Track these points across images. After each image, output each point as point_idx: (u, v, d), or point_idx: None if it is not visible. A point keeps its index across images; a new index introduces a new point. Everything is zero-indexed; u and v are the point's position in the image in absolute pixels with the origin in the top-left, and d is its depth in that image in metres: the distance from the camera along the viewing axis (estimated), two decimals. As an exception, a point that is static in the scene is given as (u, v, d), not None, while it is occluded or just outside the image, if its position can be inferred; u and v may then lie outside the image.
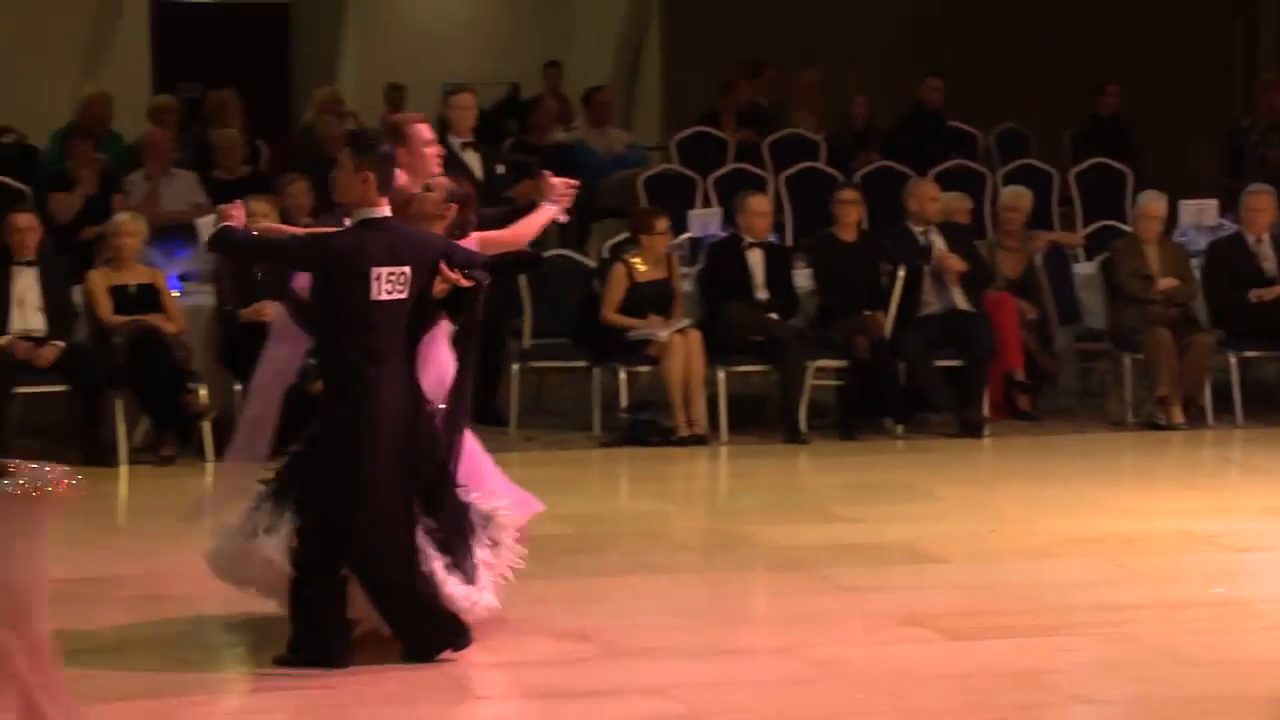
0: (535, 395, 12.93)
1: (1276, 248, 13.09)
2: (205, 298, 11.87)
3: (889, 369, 12.33)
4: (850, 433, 12.29)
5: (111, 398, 11.30)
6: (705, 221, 13.64)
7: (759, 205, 12.72)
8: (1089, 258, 13.97)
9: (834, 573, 8.84)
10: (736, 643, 7.87)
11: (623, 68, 19.00)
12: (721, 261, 12.55)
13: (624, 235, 12.96)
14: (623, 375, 12.14)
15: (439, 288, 7.34)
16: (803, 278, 12.79)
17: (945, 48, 18.50)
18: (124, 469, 11.16)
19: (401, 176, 7.72)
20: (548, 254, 12.28)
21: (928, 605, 8.26)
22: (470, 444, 7.78)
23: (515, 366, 12.34)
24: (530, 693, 7.31)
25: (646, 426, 12.05)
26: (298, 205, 12.11)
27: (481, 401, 10.48)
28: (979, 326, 12.44)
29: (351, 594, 7.34)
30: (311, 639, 7.29)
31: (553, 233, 9.64)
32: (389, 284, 7.24)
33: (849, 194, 12.93)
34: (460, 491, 7.51)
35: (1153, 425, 12.55)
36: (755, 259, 12.50)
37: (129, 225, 11.70)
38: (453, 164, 9.78)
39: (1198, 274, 13.15)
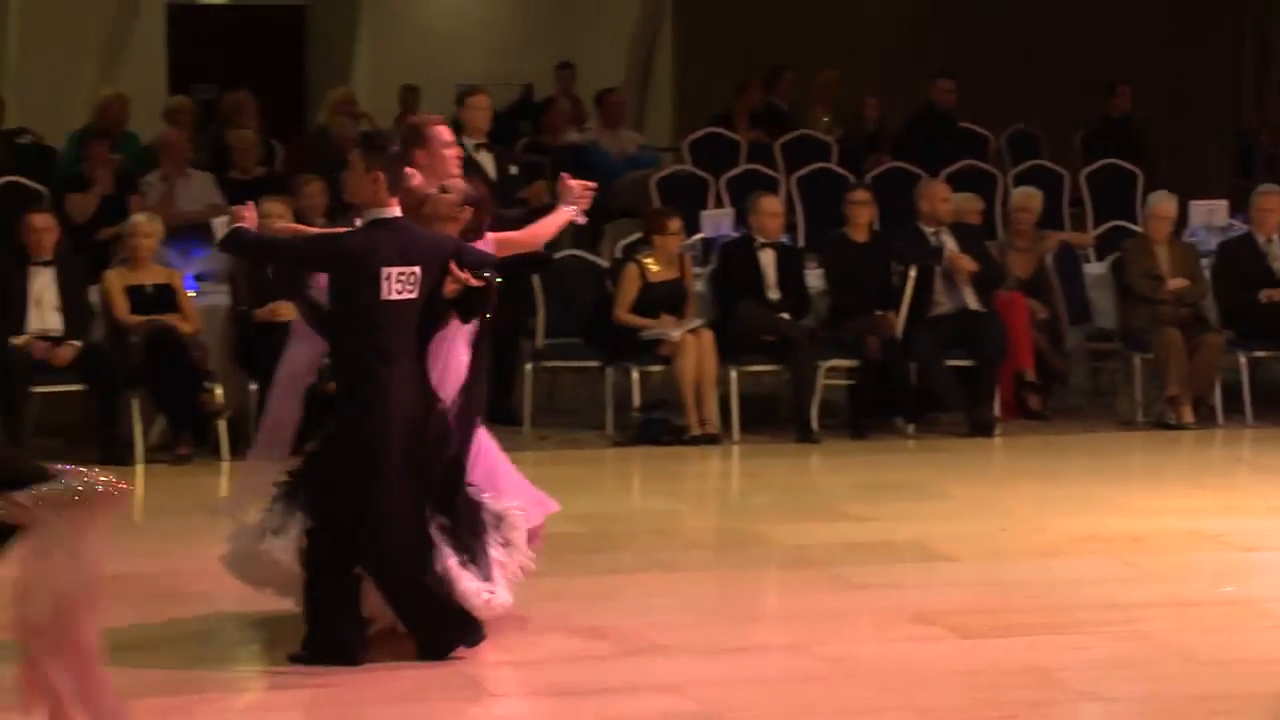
0: (548, 395, 12.94)
1: (1286, 248, 13.09)
2: (221, 298, 11.89)
3: (900, 369, 12.34)
4: (861, 432, 12.29)
5: (128, 397, 11.32)
6: (717, 222, 13.64)
7: (771, 206, 12.73)
8: (1099, 258, 13.97)
9: (845, 571, 8.84)
10: (749, 640, 7.88)
11: (635, 69, 19.01)
12: (734, 262, 12.56)
13: (636, 235, 12.98)
14: (635, 375, 12.15)
15: (450, 288, 7.35)
16: (814, 278, 12.79)
17: (956, 49, 18.49)
18: (140, 468, 11.17)
19: (416, 177, 7.73)
20: (561, 254, 12.31)
21: (938, 603, 8.26)
22: (487, 444, 7.80)
23: (529, 366, 12.35)
24: (544, 690, 7.32)
25: (659, 426, 12.06)
26: (313, 206, 12.13)
27: (495, 401, 10.49)
28: (990, 326, 12.45)
29: (365, 592, 7.36)
30: (326, 637, 7.31)
31: (566, 233, 9.64)
32: (399, 284, 7.25)
33: (860, 195, 12.93)
34: (472, 491, 7.52)
35: (1163, 425, 12.55)
36: (767, 259, 12.51)
37: (145, 226, 11.73)
38: (467, 165, 9.79)
39: (1208, 274, 13.14)
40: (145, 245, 11.63)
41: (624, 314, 12.16)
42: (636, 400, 12.15)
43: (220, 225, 7.65)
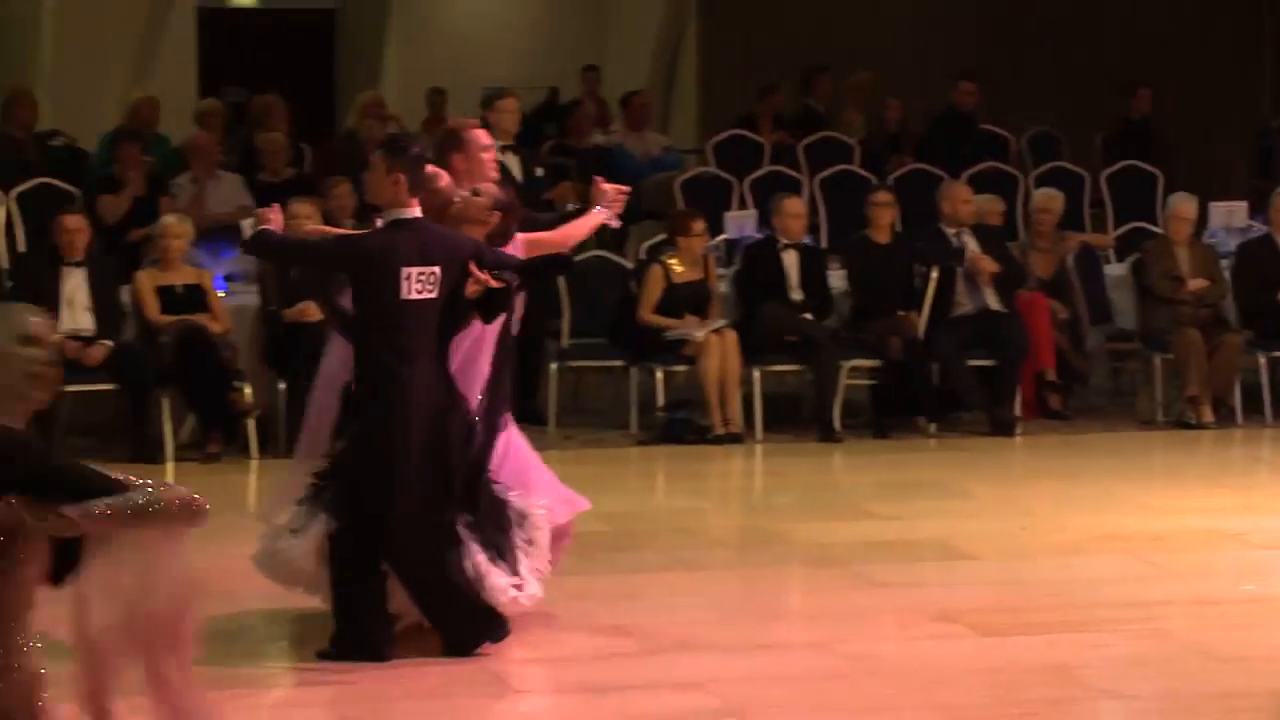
0: (573, 394, 12.93)
1: (1306, 249, 13.05)
2: (250, 298, 11.91)
3: (922, 369, 12.31)
4: (884, 431, 12.27)
5: (158, 396, 11.33)
6: (741, 223, 13.63)
7: (794, 207, 12.71)
8: (1120, 259, 13.94)
9: (867, 569, 8.83)
10: (771, 638, 7.87)
11: (660, 72, 18.99)
12: (757, 263, 12.55)
13: (661, 237, 12.96)
14: (659, 375, 12.15)
15: (471, 289, 7.35)
16: (837, 279, 12.78)
17: (977, 51, 18.45)
18: (170, 466, 11.19)
19: (444, 179, 7.74)
20: (586, 255, 12.30)
21: (960, 601, 8.25)
22: (518, 443, 7.80)
23: (554, 366, 12.35)
24: (568, 687, 7.32)
25: (683, 425, 12.05)
26: (342, 207, 12.14)
27: (521, 401, 10.50)
28: (1011, 326, 12.42)
29: (391, 589, 7.37)
30: (353, 633, 7.31)
31: (591, 235, 9.63)
32: (419, 283, 7.26)
33: (883, 196, 12.92)
34: (498, 488, 7.52)
35: (1183, 424, 12.51)
36: (790, 260, 12.50)
37: (176, 227, 11.74)
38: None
39: (1227, 275, 13.11)
40: (176, 246, 11.65)
41: (648, 314, 12.15)
42: (660, 400, 12.15)
43: (248, 227, 7.66)
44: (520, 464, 7.75)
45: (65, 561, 4.34)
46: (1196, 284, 12.82)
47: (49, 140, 14.75)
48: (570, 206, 11.66)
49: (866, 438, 12.22)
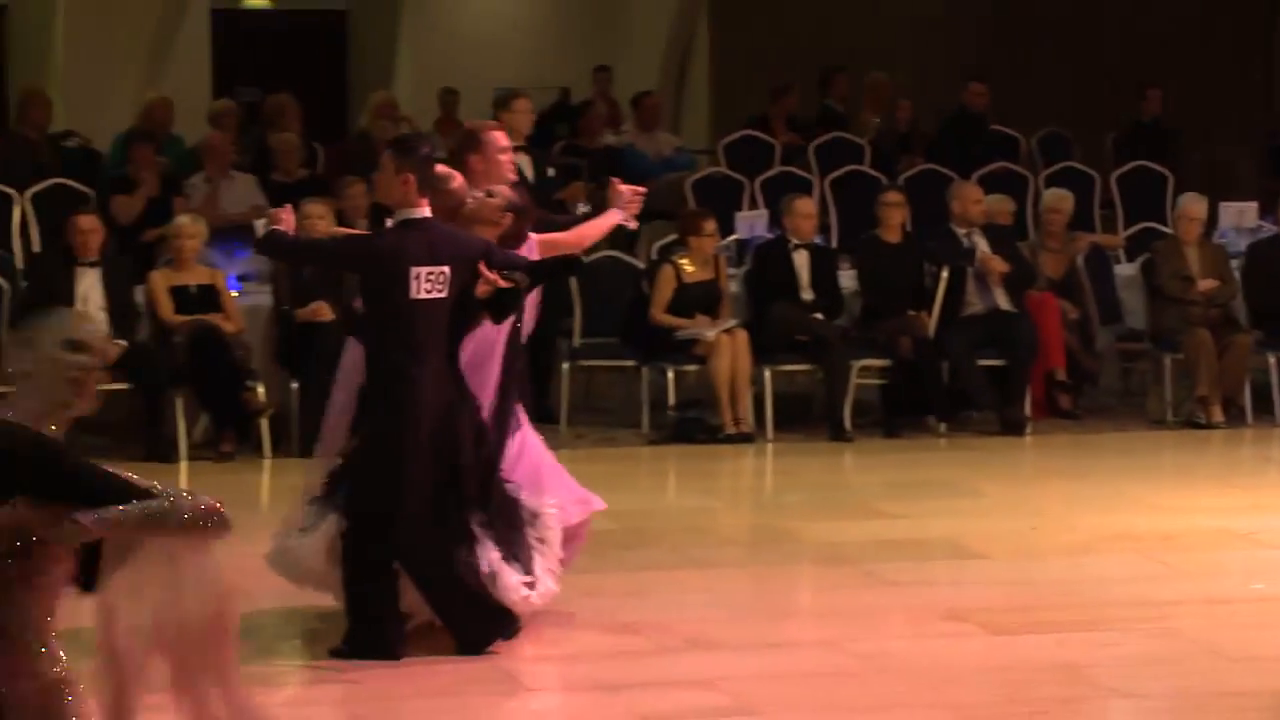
0: (585, 394, 12.93)
1: (1316, 249, 13.03)
2: (263, 298, 11.91)
3: (932, 368, 12.30)
4: (894, 431, 12.27)
5: (172, 395, 11.34)
6: (752, 223, 13.63)
7: (805, 208, 12.71)
8: (1130, 259, 13.92)
9: (878, 568, 8.82)
10: (782, 636, 7.87)
11: (671, 72, 18.99)
12: (768, 263, 12.54)
13: (672, 237, 12.96)
14: (670, 374, 12.14)
15: (481, 289, 7.35)
16: (847, 278, 12.77)
17: (988, 52, 18.44)
18: (184, 465, 11.20)
19: (456, 179, 7.74)
20: (598, 255, 12.29)
21: (969, 600, 8.24)
22: (532, 443, 7.79)
23: (565, 365, 12.35)
24: (579, 685, 7.32)
25: (694, 424, 12.05)
26: (355, 207, 12.15)
27: (532, 400, 10.50)
28: (1021, 326, 12.41)
29: (403, 588, 7.37)
30: (366, 632, 7.32)
31: (606, 236, 9.61)
32: (428, 283, 7.26)
33: (893, 196, 12.91)
34: (510, 487, 7.52)
35: (1193, 424, 12.50)
36: (801, 260, 12.49)
37: (189, 227, 11.75)
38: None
39: (1237, 275, 13.09)
40: (189, 246, 11.66)
41: (660, 314, 12.15)
42: (672, 399, 12.14)
43: (261, 227, 7.68)
44: (534, 464, 7.75)
45: (95, 566, 4.24)
46: (1206, 284, 12.80)
47: (63, 141, 14.77)
48: (582, 207, 11.67)
49: (877, 437, 12.21)
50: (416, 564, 7.33)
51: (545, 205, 11.04)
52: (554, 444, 8.30)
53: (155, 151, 13.50)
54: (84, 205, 12.59)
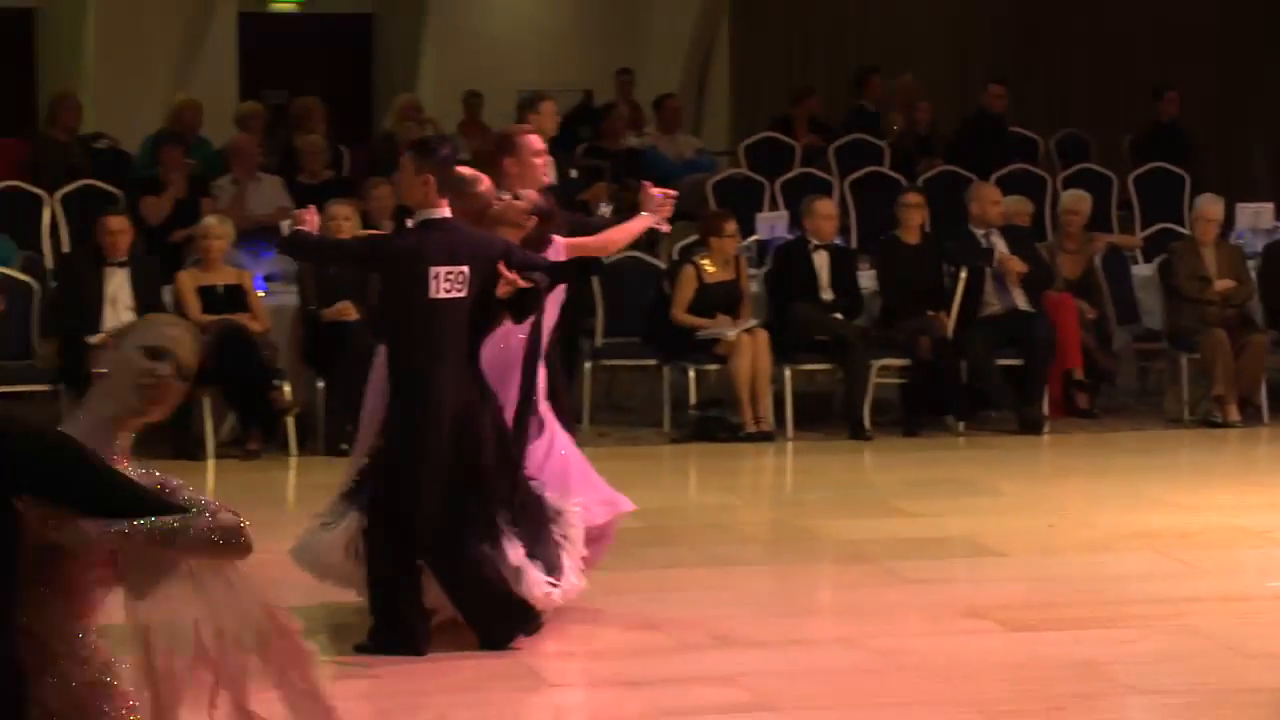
0: (607, 393, 12.92)
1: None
2: (289, 298, 11.92)
3: (951, 368, 12.28)
4: (913, 429, 12.24)
5: (199, 394, 11.35)
6: (772, 224, 13.61)
7: (825, 209, 12.69)
8: (1147, 260, 13.89)
9: (897, 565, 8.80)
10: (802, 633, 7.85)
11: (692, 75, 18.97)
12: (788, 263, 12.52)
13: (693, 238, 12.95)
14: (692, 373, 12.13)
15: (502, 289, 7.34)
16: (867, 279, 12.75)
17: (1006, 54, 18.40)
18: (211, 463, 11.21)
19: (484, 182, 7.73)
20: (620, 256, 12.26)
21: (988, 597, 8.22)
22: (560, 443, 7.78)
23: (588, 365, 12.34)
24: (601, 681, 7.31)
25: (715, 423, 12.03)
26: (380, 208, 12.15)
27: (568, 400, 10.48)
28: (1039, 326, 12.38)
29: (427, 584, 7.36)
30: (390, 627, 7.32)
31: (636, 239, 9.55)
32: (447, 283, 7.25)
33: (913, 198, 12.89)
34: (534, 485, 7.52)
35: (1209, 423, 12.46)
36: (821, 261, 12.47)
37: (217, 228, 11.76)
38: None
39: (1254, 275, 13.05)
40: (217, 247, 11.67)
41: (681, 314, 12.13)
42: (693, 398, 12.13)
43: (286, 228, 7.69)
44: (561, 465, 7.74)
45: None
46: (1223, 284, 12.77)
47: (93, 143, 14.80)
48: (604, 208, 11.65)
49: (896, 436, 12.19)
50: (439, 561, 7.33)
51: (568, 206, 11.04)
52: (577, 442, 8.29)
53: (183, 153, 13.53)
54: (113, 206, 12.62)
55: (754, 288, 12.52)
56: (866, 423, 12.11)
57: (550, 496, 7.56)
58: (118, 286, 11.49)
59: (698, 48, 19.05)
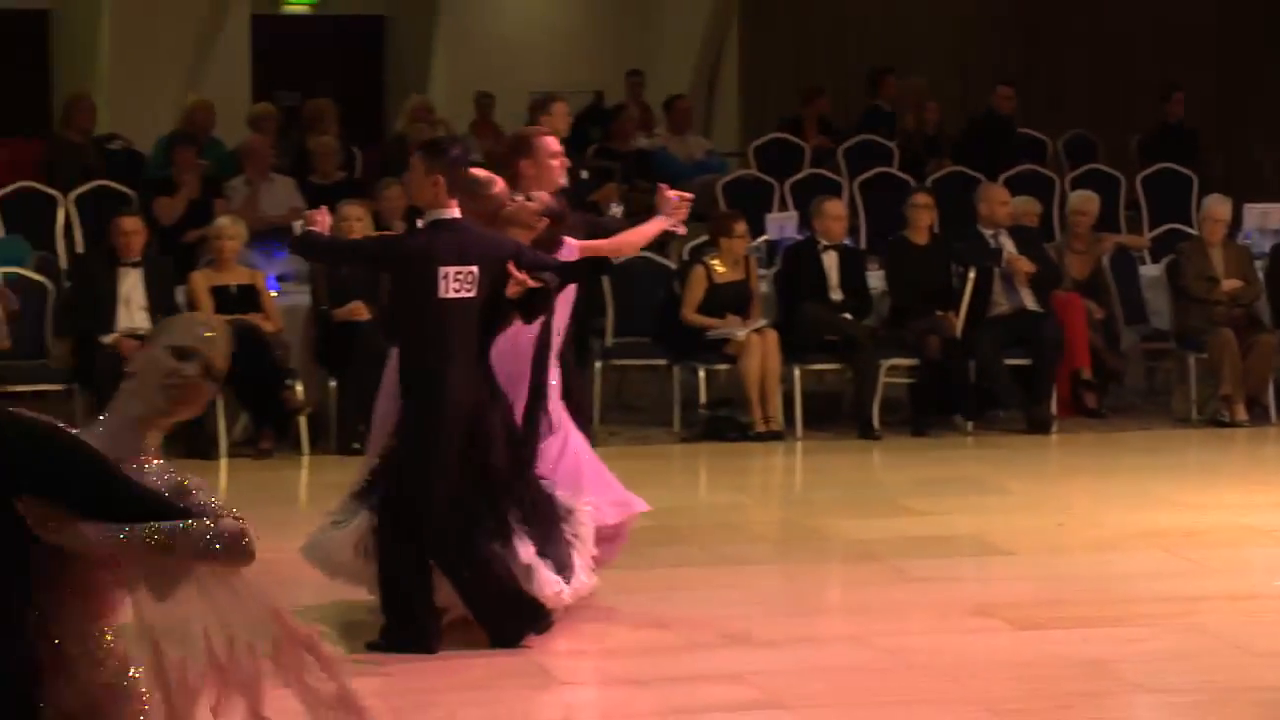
0: (617, 392, 12.92)
1: (1339, 250, 12.97)
2: (302, 297, 11.92)
3: (960, 367, 12.27)
4: (922, 429, 12.23)
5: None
6: (782, 225, 13.61)
7: (835, 209, 12.68)
8: (1155, 260, 13.87)
9: (906, 564, 8.80)
10: (811, 631, 7.84)
11: (702, 77, 18.97)
12: (798, 263, 12.52)
13: (703, 238, 12.94)
14: (702, 373, 12.13)
15: (511, 289, 7.33)
16: (876, 279, 12.74)
17: (1014, 56, 18.39)
18: (224, 462, 11.21)
19: (498, 184, 7.73)
20: (630, 256, 12.28)
21: (996, 596, 8.21)
22: (574, 444, 7.77)
23: (598, 364, 12.34)
24: (611, 679, 7.30)
25: (725, 422, 12.03)
26: (392, 209, 12.15)
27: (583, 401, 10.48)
28: (1047, 326, 12.37)
29: (438, 582, 7.36)
30: (401, 626, 7.32)
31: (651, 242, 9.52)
32: (457, 282, 7.26)
33: (922, 198, 12.88)
34: (545, 484, 7.52)
35: (1217, 422, 12.45)
36: (830, 261, 12.47)
37: (229, 228, 11.77)
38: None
39: (1261, 276, 13.04)
40: (229, 247, 11.67)
41: (691, 314, 12.13)
42: (703, 398, 12.13)
43: (298, 228, 7.69)
44: (574, 466, 7.73)
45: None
46: (1231, 284, 12.75)
47: (107, 144, 14.81)
48: (615, 208, 11.65)
49: (905, 435, 12.18)
50: (449, 560, 7.33)
51: (579, 207, 11.04)
52: (589, 442, 8.29)
53: (196, 154, 13.53)
54: (127, 207, 12.62)
55: (763, 288, 12.52)
56: (875, 422, 12.10)
57: (561, 495, 7.56)
58: (131, 286, 11.50)
59: (708, 49, 19.05)
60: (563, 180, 8.09)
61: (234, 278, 11.67)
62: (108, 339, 11.32)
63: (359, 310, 11.34)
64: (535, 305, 7.37)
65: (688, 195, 8.27)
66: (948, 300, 12.46)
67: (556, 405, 7.78)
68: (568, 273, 7.58)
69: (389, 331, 7.70)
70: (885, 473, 11.50)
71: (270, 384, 11.36)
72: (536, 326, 7.53)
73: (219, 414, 11.33)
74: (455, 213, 7.40)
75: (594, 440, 8.49)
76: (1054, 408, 12.38)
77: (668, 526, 9.55)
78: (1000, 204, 12.75)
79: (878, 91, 16.71)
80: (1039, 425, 12.24)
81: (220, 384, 4.16)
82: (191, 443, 11.21)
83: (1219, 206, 13.07)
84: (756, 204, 14.10)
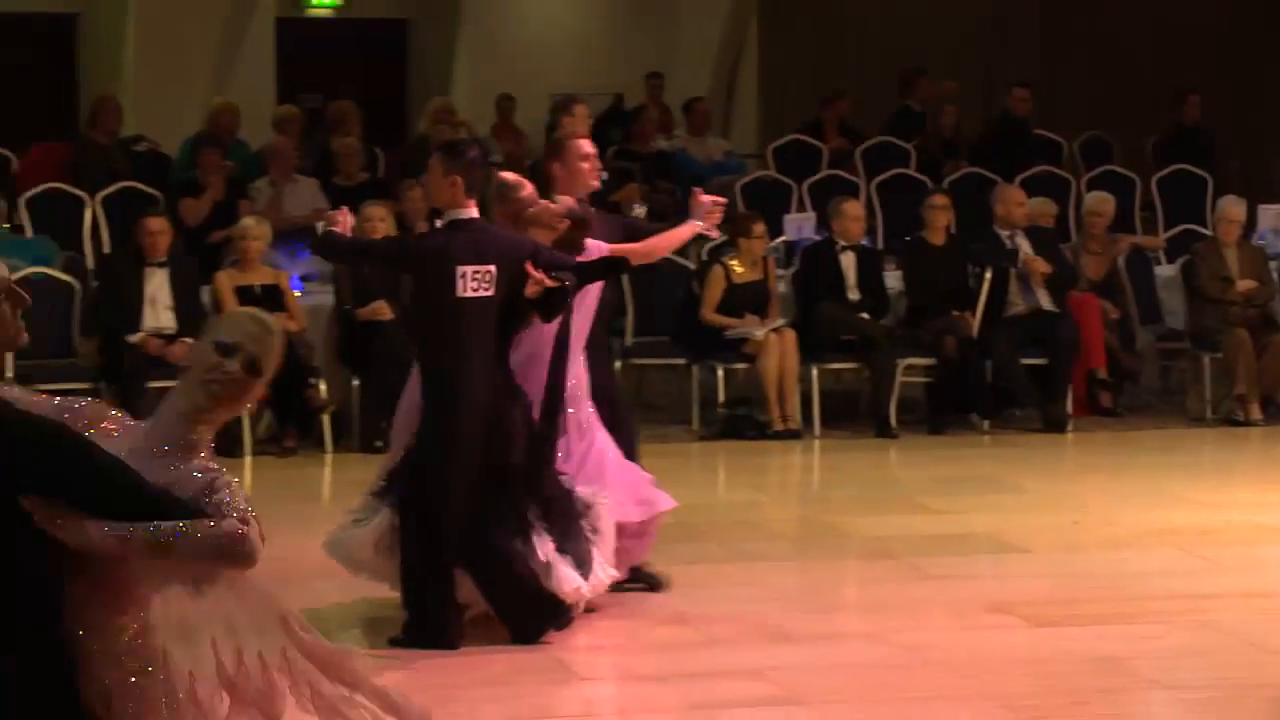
0: (636, 391, 12.92)
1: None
2: (325, 297, 11.94)
3: (976, 367, 12.26)
4: (938, 428, 12.22)
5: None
6: (800, 225, 13.60)
7: (854, 210, 12.67)
8: (1170, 260, 13.85)
9: (922, 562, 8.78)
10: (828, 628, 7.83)
11: (721, 79, 18.97)
12: (816, 263, 12.51)
13: (722, 239, 12.93)
14: (720, 372, 12.13)
15: (530, 289, 7.33)
16: (893, 279, 12.73)
17: (1031, 58, 18.37)
18: (248, 460, 11.23)
19: (526, 188, 7.73)
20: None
21: (1012, 593, 8.20)
22: (600, 446, 7.75)
23: (618, 363, 12.32)
24: (631, 675, 7.30)
25: (743, 421, 12.03)
26: (414, 210, 12.16)
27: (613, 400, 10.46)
28: (1063, 326, 12.35)
29: (459, 579, 7.37)
30: (423, 622, 7.32)
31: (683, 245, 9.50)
32: (474, 281, 7.26)
33: (939, 199, 12.87)
34: (565, 479, 7.51)
35: (1231, 422, 12.42)
36: (848, 261, 12.46)
37: (254, 229, 11.79)
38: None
39: (1276, 276, 13.01)
40: (254, 247, 11.69)
41: (710, 314, 12.13)
42: (721, 396, 12.13)
43: (321, 229, 7.71)
44: (598, 466, 7.72)
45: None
46: (1245, 285, 12.73)
47: (133, 146, 14.84)
48: (637, 209, 11.63)
49: (922, 434, 12.17)
50: (469, 558, 7.33)
51: (598, 208, 11.03)
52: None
53: (221, 156, 13.56)
54: (153, 208, 12.65)
55: (782, 288, 12.51)
56: (892, 421, 12.09)
57: (581, 491, 7.55)
58: (157, 286, 11.52)
59: (726, 52, 19.04)
60: (595, 183, 8.07)
61: (258, 278, 11.68)
62: (134, 338, 11.34)
63: (382, 310, 11.35)
64: (553, 304, 7.37)
65: (721, 199, 8.26)
66: (964, 300, 12.44)
67: (585, 405, 7.76)
68: (585, 273, 7.58)
69: (411, 331, 7.70)
70: (902, 471, 11.48)
71: (294, 383, 11.37)
72: (555, 326, 7.53)
73: (243, 412, 11.34)
74: (473, 213, 7.40)
75: (638, 435, 8.42)
76: (1070, 407, 12.36)
77: (686, 524, 9.54)
78: (1017, 205, 12.73)
79: (910, 92, 16.69)
80: (1055, 424, 12.22)
81: (265, 381, 4.08)
82: (216, 441, 11.19)
83: (1234, 208, 13.04)
84: (775, 205, 14.09)
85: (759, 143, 17.73)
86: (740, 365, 12.15)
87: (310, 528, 8.08)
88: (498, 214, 7.68)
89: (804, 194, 14.61)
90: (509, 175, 7.91)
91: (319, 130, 15.41)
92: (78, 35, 18.26)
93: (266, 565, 4.02)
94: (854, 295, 12.41)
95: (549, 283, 7.29)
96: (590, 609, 7.70)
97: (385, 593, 7.66)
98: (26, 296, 3.88)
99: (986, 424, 12.29)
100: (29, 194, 13.26)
